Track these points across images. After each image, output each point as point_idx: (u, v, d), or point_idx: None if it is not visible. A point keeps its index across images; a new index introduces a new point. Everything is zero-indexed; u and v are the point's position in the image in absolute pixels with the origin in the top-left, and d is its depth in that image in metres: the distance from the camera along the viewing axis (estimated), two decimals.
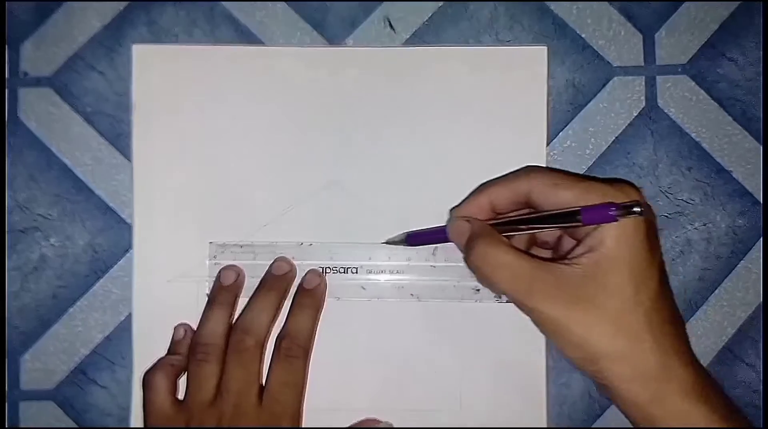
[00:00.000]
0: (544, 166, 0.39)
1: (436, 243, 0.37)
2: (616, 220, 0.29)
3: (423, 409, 0.38)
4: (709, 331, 0.40)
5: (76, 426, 0.39)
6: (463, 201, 0.36)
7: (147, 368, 0.36)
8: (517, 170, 0.35)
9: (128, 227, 0.39)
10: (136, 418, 0.38)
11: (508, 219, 0.33)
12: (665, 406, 0.30)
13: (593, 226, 0.30)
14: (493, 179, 0.35)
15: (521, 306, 0.31)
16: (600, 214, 0.30)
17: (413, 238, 0.37)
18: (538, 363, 0.38)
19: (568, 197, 0.31)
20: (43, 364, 0.39)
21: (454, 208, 0.36)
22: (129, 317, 0.39)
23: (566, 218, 0.31)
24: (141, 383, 0.36)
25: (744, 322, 0.40)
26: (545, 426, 0.38)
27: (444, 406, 0.38)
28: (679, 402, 0.30)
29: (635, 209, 0.29)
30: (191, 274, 0.38)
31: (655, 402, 0.30)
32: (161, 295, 0.38)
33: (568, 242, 0.34)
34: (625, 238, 0.30)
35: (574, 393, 0.39)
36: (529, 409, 0.38)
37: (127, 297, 0.39)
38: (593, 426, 0.39)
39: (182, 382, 0.36)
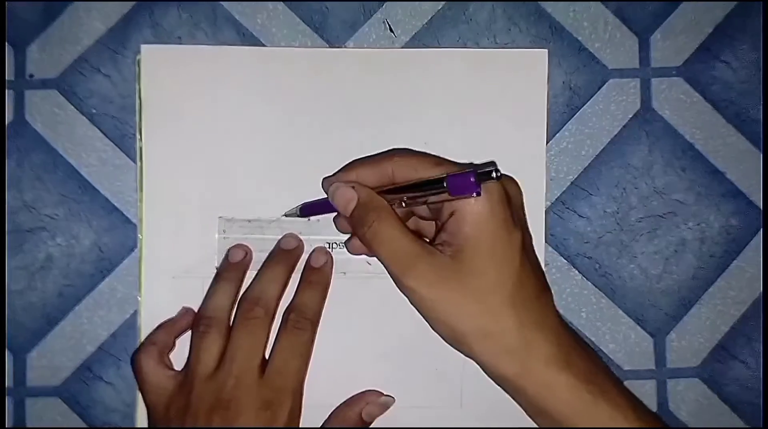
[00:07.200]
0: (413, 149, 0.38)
1: (329, 213, 0.37)
2: (479, 190, 0.30)
3: (423, 406, 0.39)
4: (703, 329, 0.41)
5: (81, 422, 0.39)
6: (333, 175, 0.37)
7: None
8: (383, 152, 0.37)
9: (133, 227, 0.39)
10: (142, 414, 0.38)
11: (381, 189, 0.34)
12: (530, 378, 0.31)
13: (451, 213, 0.32)
14: (360, 159, 0.37)
15: (398, 283, 0.32)
16: (463, 182, 0.30)
17: (306, 210, 0.38)
18: None
19: (428, 176, 0.32)
20: (49, 361, 0.39)
21: (326, 178, 0.37)
22: (134, 315, 0.39)
23: (434, 188, 0.32)
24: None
25: (737, 320, 0.41)
26: None
27: (445, 404, 0.39)
28: (542, 373, 0.31)
29: (494, 175, 0.30)
30: (197, 270, 0.39)
31: (521, 375, 0.31)
32: (167, 291, 0.39)
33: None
34: (483, 223, 0.31)
35: None
36: None
37: (132, 295, 0.39)
38: None
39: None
